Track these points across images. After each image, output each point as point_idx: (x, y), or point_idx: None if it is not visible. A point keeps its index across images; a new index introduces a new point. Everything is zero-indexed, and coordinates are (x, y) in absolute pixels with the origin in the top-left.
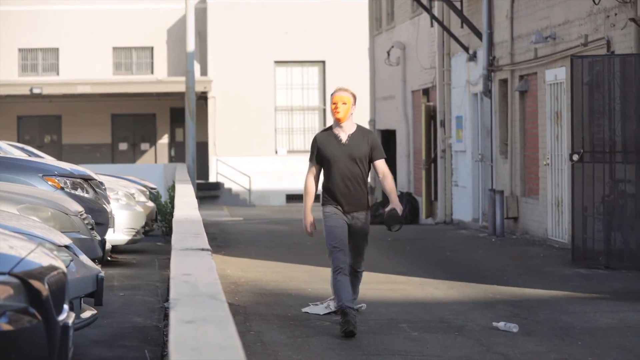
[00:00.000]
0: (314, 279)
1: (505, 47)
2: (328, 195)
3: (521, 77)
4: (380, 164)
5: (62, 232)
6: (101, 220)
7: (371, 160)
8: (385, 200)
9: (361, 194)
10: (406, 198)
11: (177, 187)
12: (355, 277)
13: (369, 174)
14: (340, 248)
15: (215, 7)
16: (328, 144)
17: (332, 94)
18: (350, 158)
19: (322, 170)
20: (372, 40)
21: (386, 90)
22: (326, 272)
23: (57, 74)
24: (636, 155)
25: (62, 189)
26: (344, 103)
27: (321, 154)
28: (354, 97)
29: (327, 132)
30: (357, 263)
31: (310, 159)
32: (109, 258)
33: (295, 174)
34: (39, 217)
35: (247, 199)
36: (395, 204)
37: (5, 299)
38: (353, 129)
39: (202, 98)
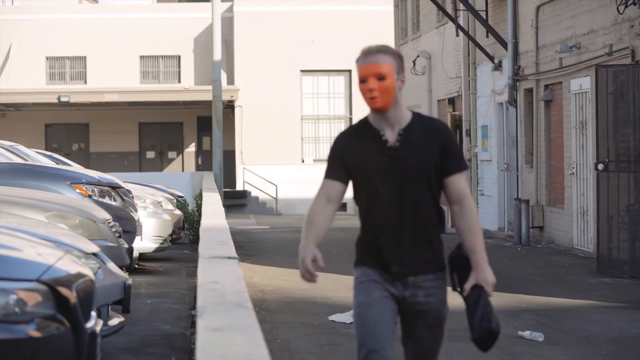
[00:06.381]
0: (339, 287)
1: (530, 56)
2: (363, 245)
3: (546, 86)
4: (457, 182)
5: (89, 239)
6: (129, 228)
7: (444, 175)
8: None
9: (426, 241)
10: None
11: (204, 195)
12: None
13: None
14: (377, 349)
15: (242, 16)
16: (362, 148)
17: (357, 62)
18: (405, 172)
19: (355, 195)
20: (398, 49)
21: (412, 100)
22: (352, 280)
23: (85, 82)
24: None
25: (89, 196)
26: (382, 77)
27: (350, 166)
28: (399, 58)
29: (360, 129)
30: None
31: (327, 174)
32: (136, 266)
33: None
34: (67, 225)
35: (274, 208)
36: (481, 273)
37: (33, 306)
38: (406, 120)
39: (229, 107)
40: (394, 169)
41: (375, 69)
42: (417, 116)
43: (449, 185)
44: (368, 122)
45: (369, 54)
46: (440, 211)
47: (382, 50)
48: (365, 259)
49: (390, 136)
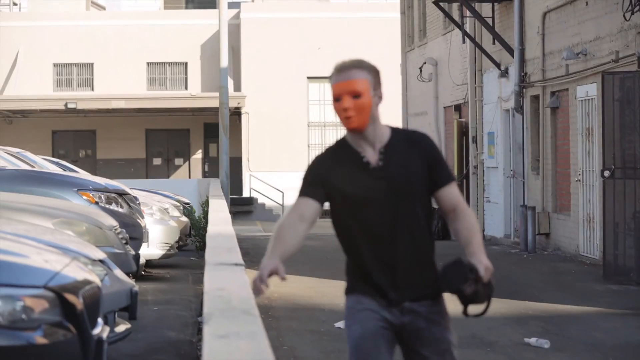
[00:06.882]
0: None
1: (536, 63)
2: (354, 273)
3: (552, 93)
4: (450, 193)
5: (96, 246)
6: (135, 235)
7: (434, 188)
8: None
9: (421, 262)
10: (437, 214)
11: (211, 202)
12: None
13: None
14: None
15: (249, 22)
16: (344, 172)
17: (330, 79)
18: (393, 192)
19: (335, 219)
20: (404, 56)
21: (418, 107)
22: None
23: (92, 89)
24: None
25: (96, 203)
26: (357, 95)
27: (332, 191)
28: (376, 72)
29: (338, 150)
30: None
31: (302, 192)
32: (143, 272)
33: None
34: (74, 232)
35: (281, 214)
36: (478, 260)
37: (40, 313)
38: (386, 136)
39: (236, 114)
40: (380, 190)
41: (349, 87)
42: (396, 131)
43: (442, 198)
44: (346, 142)
45: (343, 70)
46: (430, 231)
47: (357, 65)
48: (359, 286)
49: (372, 156)
